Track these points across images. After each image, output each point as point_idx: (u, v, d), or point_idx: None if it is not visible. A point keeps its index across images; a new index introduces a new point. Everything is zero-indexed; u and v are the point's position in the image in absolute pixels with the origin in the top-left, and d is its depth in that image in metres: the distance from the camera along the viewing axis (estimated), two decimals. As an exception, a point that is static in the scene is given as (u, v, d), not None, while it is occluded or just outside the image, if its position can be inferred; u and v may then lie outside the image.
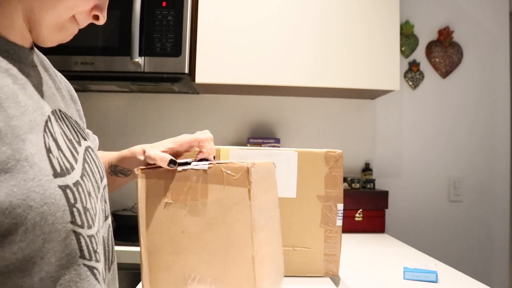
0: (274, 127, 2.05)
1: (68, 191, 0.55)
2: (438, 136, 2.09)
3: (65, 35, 0.61)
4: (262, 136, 2.04)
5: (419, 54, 2.09)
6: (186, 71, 1.59)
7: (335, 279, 1.08)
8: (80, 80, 1.71)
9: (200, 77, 1.66)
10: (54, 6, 0.56)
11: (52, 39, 0.60)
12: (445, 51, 2.08)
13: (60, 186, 0.54)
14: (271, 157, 1.04)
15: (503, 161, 2.09)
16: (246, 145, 2.00)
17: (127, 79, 1.68)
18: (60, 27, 0.59)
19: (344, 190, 1.78)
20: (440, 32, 2.08)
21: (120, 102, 2.04)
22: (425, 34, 2.10)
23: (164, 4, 1.59)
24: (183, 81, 1.70)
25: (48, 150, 0.55)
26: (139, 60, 1.56)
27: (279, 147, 1.91)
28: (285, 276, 1.06)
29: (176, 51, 1.58)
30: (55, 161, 0.55)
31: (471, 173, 2.08)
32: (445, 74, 2.09)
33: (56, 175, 0.54)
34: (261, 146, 1.88)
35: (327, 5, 1.71)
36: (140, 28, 1.58)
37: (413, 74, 2.08)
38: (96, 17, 0.62)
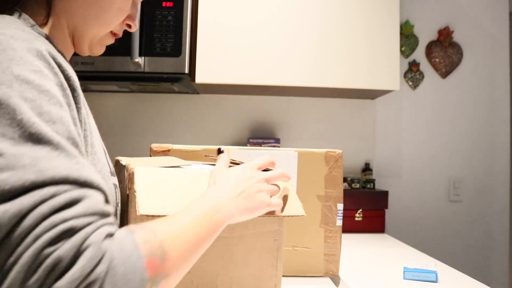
0: (274, 127, 2.05)
1: (117, 190, 0.64)
2: (438, 136, 2.09)
3: (102, 47, 0.69)
4: (262, 136, 2.04)
5: (419, 54, 2.09)
6: (186, 71, 1.59)
7: (335, 279, 1.08)
8: (80, 80, 1.69)
9: (200, 77, 1.66)
10: (94, 25, 0.63)
11: (92, 51, 0.68)
12: (445, 51, 2.08)
13: (114, 184, 0.63)
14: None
15: (503, 161, 2.09)
16: (246, 145, 2.00)
17: (127, 79, 1.68)
18: (98, 41, 0.67)
19: (344, 190, 1.78)
20: (440, 32, 2.08)
21: (120, 102, 2.04)
22: (425, 34, 2.10)
23: (164, 4, 1.59)
24: (183, 81, 1.70)
25: (104, 151, 0.64)
26: (139, 60, 1.56)
27: (279, 147, 1.91)
28: (285, 276, 1.06)
29: (176, 51, 1.58)
30: (109, 162, 0.64)
31: (471, 173, 2.08)
32: (445, 74, 2.09)
33: (112, 173, 0.63)
34: (261, 146, 1.88)
35: (327, 5, 1.71)
36: (140, 28, 1.58)
37: (413, 74, 2.08)
38: (129, 26, 0.69)
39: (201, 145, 1.04)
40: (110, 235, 0.43)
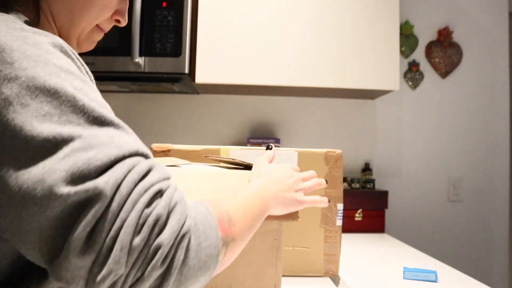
0: (274, 127, 2.05)
1: None
2: (438, 136, 2.09)
3: (92, 43, 0.68)
4: (262, 136, 2.04)
5: (419, 54, 2.09)
6: (186, 71, 1.59)
7: (335, 279, 1.08)
8: (80, 80, 1.71)
9: (200, 77, 1.66)
10: (79, 22, 0.62)
11: (80, 48, 0.67)
12: (445, 51, 2.08)
13: None
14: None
15: (502, 161, 2.09)
16: (246, 145, 2.00)
17: (127, 79, 1.68)
18: (86, 38, 0.66)
19: (344, 190, 1.78)
20: (440, 32, 2.08)
21: (120, 102, 2.04)
22: (425, 34, 2.10)
23: (164, 4, 1.59)
24: (183, 81, 1.70)
25: None
26: (139, 60, 1.57)
27: (279, 147, 1.91)
28: (285, 275, 1.06)
29: (176, 51, 1.58)
30: None
31: (470, 173, 2.08)
32: (444, 74, 2.09)
33: None
34: (261, 146, 1.88)
35: (327, 5, 1.71)
36: (140, 28, 1.58)
37: (412, 74, 2.08)
38: (118, 21, 0.68)
39: (201, 145, 1.04)
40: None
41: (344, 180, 1.94)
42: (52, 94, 0.43)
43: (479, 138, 2.09)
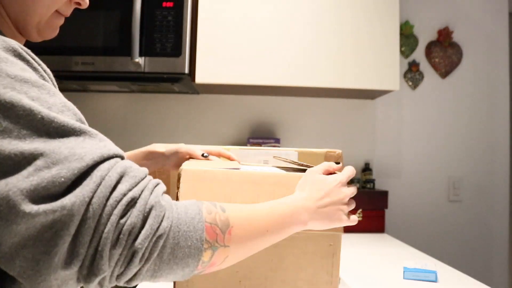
0: (274, 127, 2.05)
1: None
2: (438, 136, 2.09)
3: (54, 29, 0.64)
4: (262, 136, 2.04)
5: (419, 54, 2.09)
6: (186, 71, 1.59)
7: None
8: (80, 80, 1.71)
9: (200, 77, 1.66)
10: (34, 10, 0.58)
11: (42, 36, 0.63)
12: (445, 52, 2.08)
13: None
14: (271, 157, 1.04)
15: (502, 161, 2.09)
16: (246, 145, 2.00)
17: (127, 79, 1.68)
18: (46, 25, 0.62)
19: (344, 190, 1.78)
20: (440, 32, 2.08)
21: (120, 102, 2.04)
22: (425, 35, 2.10)
23: (164, 4, 1.59)
24: (183, 81, 1.70)
25: None
26: (139, 60, 1.57)
27: (279, 147, 1.91)
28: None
29: (176, 51, 1.58)
30: None
31: (470, 173, 2.08)
32: (444, 74, 2.09)
33: None
34: (261, 146, 1.88)
35: (327, 6, 1.71)
36: (140, 28, 1.58)
37: (412, 74, 2.08)
38: (78, 3, 0.64)
39: (201, 145, 1.04)
40: (164, 191, 0.52)
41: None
42: (9, 109, 0.42)
43: (479, 138, 2.09)
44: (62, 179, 0.42)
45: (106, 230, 0.44)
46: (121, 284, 0.49)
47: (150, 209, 0.47)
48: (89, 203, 0.43)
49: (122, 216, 0.45)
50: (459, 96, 2.10)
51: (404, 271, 1.13)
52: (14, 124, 0.42)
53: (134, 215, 0.46)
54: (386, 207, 1.85)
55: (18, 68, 0.46)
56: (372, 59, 1.71)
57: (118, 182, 0.46)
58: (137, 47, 1.55)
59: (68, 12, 0.64)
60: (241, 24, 1.69)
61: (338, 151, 1.08)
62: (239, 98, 2.06)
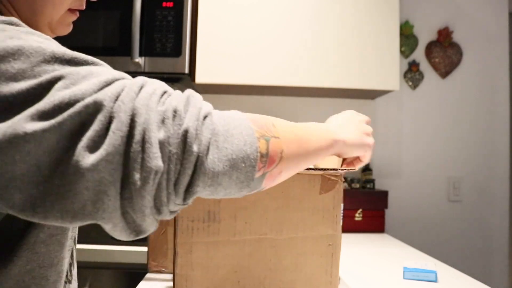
0: (274, 127, 2.05)
1: None
2: (438, 136, 2.09)
3: (67, 26, 0.63)
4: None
5: (419, 55, 2.09)
6: (187, 71, 1.59)
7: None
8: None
9: (201, 77, 1.66)
10: (42, 11, 0.57)
11: (55, 33, 0.62)
12: (445, 51, 2.08)
13: None
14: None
15: (502, 161, 2.09)
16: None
17: (127, 79, 1.68)
18: (58, 23, 0.61)
19: (344, 190, 1.78)
20: (440, 32, 2.08)
21: (120, 102, 2.04)
22: (425, 35, 2.10)
23: (164, 4, 1.59)
24: (183, 81, 1.70)
25: None
26: (139, 60, 1.57)
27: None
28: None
29: (176, 51, 1.58)
30: None
31: (470, 173, 2.08)
32: (444, 74, 2.09)
33: None
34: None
35: (327, 6, 1.71)
36: (140, 28, 1.58)
37: (412, 74, 2.08)
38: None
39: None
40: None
41: (344, 180, 1.94)
42: (17, 52, 0.41)
43: (479, 138, 2.09)
44: (89, 91, 0.40)
45: (147, 118, 0.40)
46: (180, 198, 0.43)
47: (188, 96, 0.44)
48: (117, 97, 0.40)
49: (160, 104, 0.42)
50: (459, 96, 2.10)
51: (404, 271, 1.13)
52: (24, 63, 0.41)
53: (174, 99, 0.43)
54: (386, 207, 1.85)
55: (23, 28, 0.46)
56: (372, 59, 1.71)
57: (144, 85, 0.43)
58: (137, 47, 1.55)
59: (81, 5, 0.63)
60: (241, 24, 1.69)
61: (338, 151, 1.08)
62: (239, 98, 2.06)
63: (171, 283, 1.03)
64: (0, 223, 0.48)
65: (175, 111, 0.42)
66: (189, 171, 0.42)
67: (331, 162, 0.84)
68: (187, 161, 0.41)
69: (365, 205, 1.83)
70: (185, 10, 1.60)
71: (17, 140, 0.38)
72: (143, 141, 0.39)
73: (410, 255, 1.42)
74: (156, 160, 0.40)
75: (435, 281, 1.10)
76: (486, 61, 2.11)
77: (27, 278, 0.50)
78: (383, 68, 1.71)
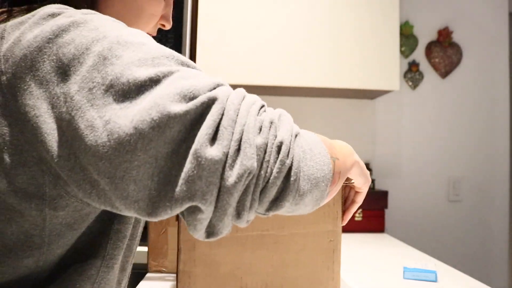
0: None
1: None
2: (438, 136, 2.09)
3: None
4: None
5: (419, 55, 2.09)
6: (186, 71, 1.59)
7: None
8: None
9: (200, 77, 1.66)
10: (137, 21, 0.63)
11: None
12: (445, 52, 2.08)
13: None
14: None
15: (502, 161, 2.09)
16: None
17: (127, 79, 1.68)
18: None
19: (344, 190, 1.78)
20: (440, 32, 2.08)
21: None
22: (425, 35, 2.10)
23: (164, 4, 1.59)
24: (183, 81, 1.70)
25: None
26: (139, 60, 1.57)
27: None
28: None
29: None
30: None
31: (470, 173, 2.08)
32: (444, 74, 2.09)
33: None
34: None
35: (327, 6, 1.71)
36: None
37: (412, 74, 2.08)
38: (163, 25, 0.70)
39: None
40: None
41: (344, 180, 1.94)
42: (141, 44, 0.44)
43: (479, 138, 2.09)
44: (204, 85, 0.42)
45: (248, 122, 0.41)
46: (262, 208, 0.44)
47: (280, 114, 0.46)
48: (229, 97, 0.42)
49: (258, 114, 0.44)
50: (459, 96, 2.10)
51: (404, 271, 1.13)
52: (147, 54, 0.43)
53: (270, 113, 0.45)
54: (386, 207, 1.85)
55: (135, 30, 0.48)
56: (372, 59, 1.71)
57: (246, 95, 0.46)
58: (137, 47, 1.55)
59: (154, 33, 0.68)
60: (240, 24, 1.69)
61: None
62: (239, 98, 2.05)
63: (171, 283, 1.03)
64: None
65: (271, 122, 0.44)
66: (278, 182, 0.43)
67: None
68: (279, 171, 0.42)
69: (365, 205, 1.83)
70: (185, 10, 1.60)
71: (142, 126, 0.39)
72: (241, 141, 0.41)
73: (410, 255, 1.42)
74: (252, 161, 0.40)
75: (435, 281, 1.10)
76: (486, 61, 2.11)
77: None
78: (383, 68, 1.72)
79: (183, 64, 0.45)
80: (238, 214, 0.43)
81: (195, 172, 0.39)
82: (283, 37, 1.70)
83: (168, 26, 0.69)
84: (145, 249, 1.38)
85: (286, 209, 0.46)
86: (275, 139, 0.43)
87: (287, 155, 0.43)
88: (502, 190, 2.09)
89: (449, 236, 2.06)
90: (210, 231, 0.43)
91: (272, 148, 0.42)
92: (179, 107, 0.39)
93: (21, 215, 0.46)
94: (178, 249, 0.73)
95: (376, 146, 2.08)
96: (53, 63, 0.43)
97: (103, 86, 0.41)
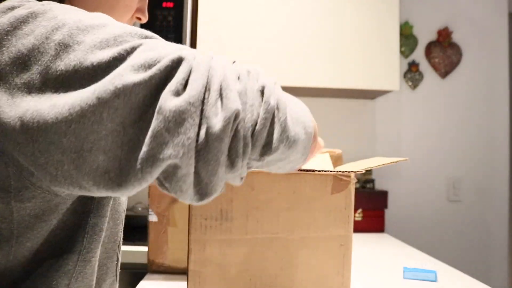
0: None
1: None
2: (438, 136, 2.09)
3: None
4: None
5: (419, 55, 2.09)
6: (186, 71, 1.59)
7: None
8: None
9: (200, 77, 1.66)
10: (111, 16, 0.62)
11: None
12: (444, 52, 2.08)
13: None
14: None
15: (502, 161, 2.09)
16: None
17: (127, 79, 1.68)
18: None
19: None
20: (440, 32, 2.08)
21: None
22: (425, 35, 2.10)
23: (164, 4, 1.59)
24: (183, 81, 1.70)
25: None
26: (139, 60, 1.57)
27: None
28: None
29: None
30: None
31: (470, 173, 2.08)
32: (444, 74, 2.09)
33: None
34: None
35: (327, 5, 1.72)
36: (140, 28, 1.58)
37: (412, 74, 2.08)
38: (139, 18, 0.69)
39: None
40: None
41: (344, 180, 1.94)
42: (102, 26, 0.44)
43: (478, 138, 2.10)
44: (169, 53, 0.42)
45: (223, 73, 0.42)
46: (257, 150, 0.44)
47: (255, 67, 0.47)
48: (194, 59, 0.42)
49: (232, 66, 0.45)
50: (459, 96, 2.10)
51: (404, 271, 1.13)
52: (108, 35, 0.43)
53: (245, 67, 0.45)
54: (386, 207, 1.85)
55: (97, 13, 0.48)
56: (372, 59, 1.71)
57: (213, 56, 0.46)
58: (137, 47, 1.55)
59: (144, 19, 0.68)
60: (241, 24, 1.69)
61: (338, 151, 1.08)
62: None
63: (171, 283, 1.03)
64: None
65: (248, 72, 0.45)
66: (267, 123, 0.43)
67: (324, 160, 0.84)
68: (265, 112, 0.42)
69: (365, 205, 1.83)
70: (185, 10, 1.60)
71: (106, 96, 0.39)
72: (221, 89, 0.41)
73: (410, 255, 1.42)
74: (236, 103, 0.40)
75: (435, 281, 1.10)
76: (485, 61, 2.11)
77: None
78: (383, 68, 1.72)
79: (147, 37, 0.45)
80: (232, 162, 0.42)
81: (161, 126, 0.38)
82: (283, 37, 1.70)
83: (144, 19, 0.68)
84: (145, 249, 1.38)
85: (279, 155, 0.46)
86: (256, 84, 0.44)
87: (271, 97, 0.43)
88: (502, 190, 2.09)
89: (449, 236, 2.06)
90: (203, 191, 0.42)
91: (254, 92, 0.43)
92: (143, 74, 0.40)
93: None
94: (189, 250, 0.74)
95: (376, 146, 2.08)
96: (11, 55, 0.43)
97: (67, 73, 0.41)
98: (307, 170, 0.72)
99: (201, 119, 0.39)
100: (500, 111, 2.11)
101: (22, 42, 0.43)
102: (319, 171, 0.72)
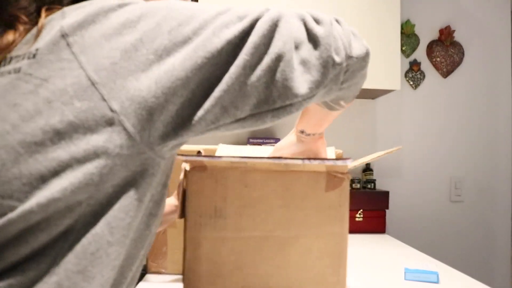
0: (274, 127, 2.04)
1: None
2: (439, 136, 2.08)
3: None
4: (262, 136, 2.03)
5: (420, 54, 2.08)
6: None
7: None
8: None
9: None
10: None
11: None
12: (446, 51, 2.07)
13: None
14: (271, 157, 1.03)
15: (504, 161, 2.08)
16: (246, 145, 1.99)
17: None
18: None
19: (344, 190, 1.77)
20: (441, 31, 2.07)
21: (120, 102, 2.03)
22: (426, 34, 2.09)
23: (163, 3, 1.58)
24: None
25: None
26: (139, 59, 1.56)
27: (279, 147, 1.89)
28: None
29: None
30: None
31: (472, 173, 2.07)
32: (446, 73, 2.08)
33: None
34: (261, 146, 1.87)
35: (328, 5, 1.71)
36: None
37: (414, 74, 2.07)
38: None
39: (201, 145, 1.03)
40: None
41: (345, 180, 1.93)
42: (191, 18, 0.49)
43: (480, 138, 2.08)
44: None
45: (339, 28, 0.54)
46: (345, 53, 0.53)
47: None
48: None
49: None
50: (460, 95, 2.09)
51: (405, 272, 1.12)
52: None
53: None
54: (387, 207, 1.84)
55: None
56: (373, 58, 1.70)
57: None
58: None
59: None
60: (241, 23, 1.68)
61: (338, 151, 1.07)
62: (239, 97, 2.05)
63: (171, 284, 1.02)
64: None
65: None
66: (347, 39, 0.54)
67: (330, 153, 0.83)
68: (346, 31, 0.54)
69: (366, 205, 1.82)
70: (185, 9, 1.59)
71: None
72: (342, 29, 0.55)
73: (411, 256, 1.41)
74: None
75: (437, 282, 1.09)
76: (487, 61, 2.10)
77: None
78: (384, 68, 1.70)
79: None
80: (337, 52, 0.53)
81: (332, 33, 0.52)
82: (283, 36, 1.69)
83: None
84: (144, 249, 1.37)
85: (346, 83, 0.57)
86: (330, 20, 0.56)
87: (343, 25, 0.56)
88: (504, 190, 2.07)
89: (451, 237, 2.05)
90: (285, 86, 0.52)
91: (330, 26, 0.54)
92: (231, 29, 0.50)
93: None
94: (184, 248, 0.73)
95: (377, 146, 2.06)
96: (171, 40, 0.47)
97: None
98: (303, 159, 0.71)
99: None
100: (503, 110, 2.09)
101: (180, 31, 0.49)
102: (314, 158, 0.71)
